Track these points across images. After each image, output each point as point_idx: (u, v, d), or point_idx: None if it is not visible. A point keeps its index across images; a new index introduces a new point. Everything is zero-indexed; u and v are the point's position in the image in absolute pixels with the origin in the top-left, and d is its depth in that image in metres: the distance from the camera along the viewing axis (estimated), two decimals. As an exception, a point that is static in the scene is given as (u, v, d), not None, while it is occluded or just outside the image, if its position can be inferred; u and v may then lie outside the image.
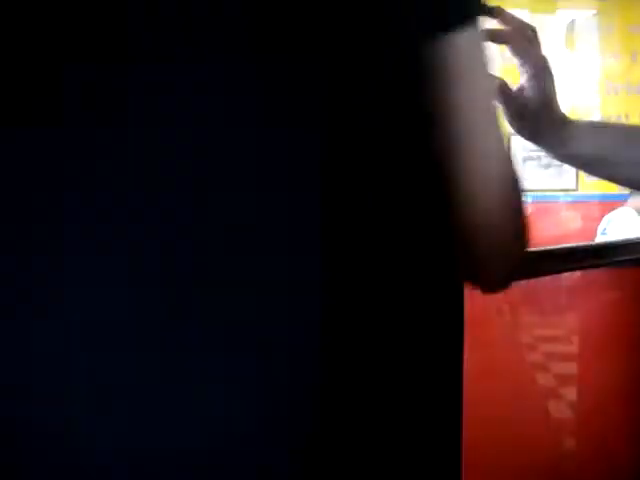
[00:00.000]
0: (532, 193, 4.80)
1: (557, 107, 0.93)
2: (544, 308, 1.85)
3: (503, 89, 0.90)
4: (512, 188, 0.61)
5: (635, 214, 4.28)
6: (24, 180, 0.50)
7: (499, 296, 1.70)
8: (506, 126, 0.85)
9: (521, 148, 4.97)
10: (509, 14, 0.90)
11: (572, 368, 1.88)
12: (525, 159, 4.91)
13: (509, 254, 0.62)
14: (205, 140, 0.50)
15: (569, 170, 4.93)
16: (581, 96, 4.97)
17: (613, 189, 4.96)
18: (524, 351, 1.81)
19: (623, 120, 4.98)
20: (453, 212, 0.59)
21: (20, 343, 0.50)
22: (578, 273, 1.73)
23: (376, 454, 0.55)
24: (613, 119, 5.03)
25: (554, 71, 0.90)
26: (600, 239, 3.57)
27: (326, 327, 0.51)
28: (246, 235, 0.50)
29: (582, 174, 5.05)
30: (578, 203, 4.71)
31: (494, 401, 1.68)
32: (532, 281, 1.61)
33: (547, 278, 1.64)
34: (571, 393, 1.84)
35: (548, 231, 4.29)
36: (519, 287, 1.69)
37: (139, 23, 0.49)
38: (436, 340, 0.60)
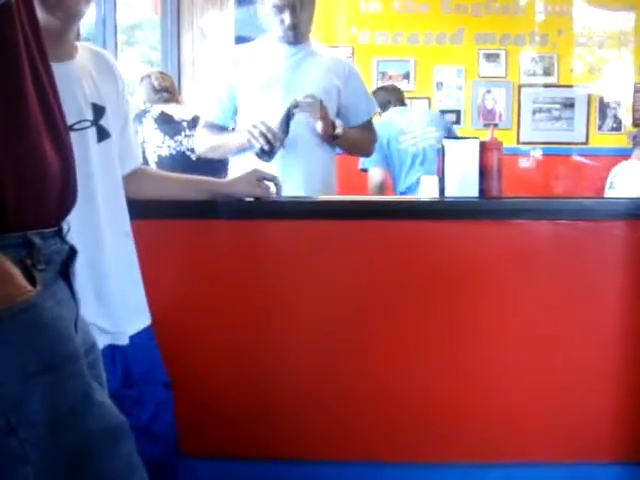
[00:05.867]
0: (543, 146, 4.77)
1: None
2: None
3: None
4: None
5: (641, 167, 4.25)
6: None
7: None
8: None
9: (531, 100, 4.91)
10: None
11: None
12: (535, 111, 4.87)
13: None
14: None
15: (580, 124, 4.90)
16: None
17: (623, 143, 4.92)
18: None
19: None
20: None
21: None
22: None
23: None
24: None
25: None
26: (608, 193, 3.55)
27: None
28: None
29: (593, 127, 5.01)
30: (588, 156, 4.69)
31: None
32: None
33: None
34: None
35: (559, 183, 4.27)
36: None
37: None
38: None
